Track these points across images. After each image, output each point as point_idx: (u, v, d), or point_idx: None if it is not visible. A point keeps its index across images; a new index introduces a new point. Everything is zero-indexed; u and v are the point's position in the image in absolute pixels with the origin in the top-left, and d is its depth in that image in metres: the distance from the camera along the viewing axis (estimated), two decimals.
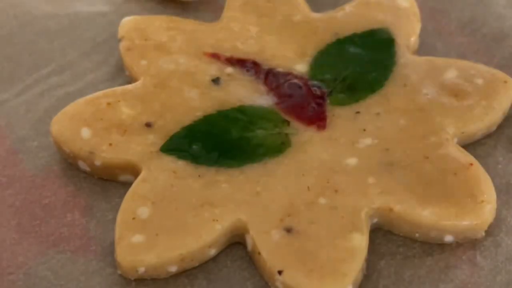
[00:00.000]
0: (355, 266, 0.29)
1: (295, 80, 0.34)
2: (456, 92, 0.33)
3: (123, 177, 0.32)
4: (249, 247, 0.30)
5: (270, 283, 0.29)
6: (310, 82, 0.34)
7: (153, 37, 0.35)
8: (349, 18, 0.36)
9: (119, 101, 0.33)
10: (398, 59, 0.35)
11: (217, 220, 0.30)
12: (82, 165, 0.32)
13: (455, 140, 0.32)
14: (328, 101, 0.33)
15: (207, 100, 0.33)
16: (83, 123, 0.32)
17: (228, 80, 0.34)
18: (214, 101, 0.33)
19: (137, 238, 0.29)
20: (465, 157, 0.31)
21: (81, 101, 0.33)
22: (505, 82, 0.34)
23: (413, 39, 0.36)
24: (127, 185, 0.31)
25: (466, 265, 0.30)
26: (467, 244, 0.30)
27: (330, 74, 0.34)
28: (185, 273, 0.30)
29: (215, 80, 0.34)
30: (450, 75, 0.34)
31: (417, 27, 0.36)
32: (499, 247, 0.30)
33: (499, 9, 0.38)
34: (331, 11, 0.37)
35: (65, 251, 0.30)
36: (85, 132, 0.32)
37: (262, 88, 0.34)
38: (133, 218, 0.30)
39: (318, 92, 0.34)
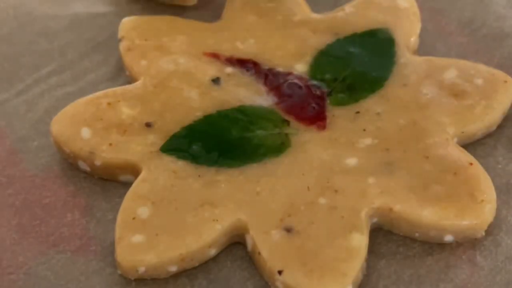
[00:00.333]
0: (355, 266, 0.29)
1: (295, 80, 0.34)
2: (456, 92, 0.33)
3: (123, 177, 0.32)
4: (249, 247, 0.30)
5: (270, 283, 0.29)
6: (310, 82, 0.34)
7: (153, 37, 0.35)
8: (349, 18, 0.36)
9: (119, 101, 0.33)
10: (398, 59, 0.35)
11: (217, 220, 0.30)
12: (82, 165, 0.32)
13: (455, 140, 0.32)
14: (328, 101, 0.33)
15: (207, 100, 0.33)
16: (83, 123, 0.32)
17: (228, 80, 0.34)
18: (214, 101, 0.33)
19: (137, 238, 0.29)
20: (465, 157, 0.31)
21: (81, 101, 0.33)
22: (505, 82, 0.34)
23: (413, 39, 0.36)
24: (127, 185, 0.31)
25: (466, 265, 0.30)
26: (467, 243, 0.30)
27: (330, 74, 0.34)
28: (185, 273, 0.30)
29: (215, 80, 0.34)
30: (450, 75, 0.34)
31: (417, 27, 0.36)
32: (499, 246, 0.30)
33: (499, 9, 0.38)
34: (331, 11, 0.37)
35: (65, 251, 0.30)
36: (85, 132, 0.32)
37: (262, 88, 0.34)
38: (133, 218, 0.30)
39: (318, 92, 0.34)
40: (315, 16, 0.37)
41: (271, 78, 0.34)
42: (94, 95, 0.33)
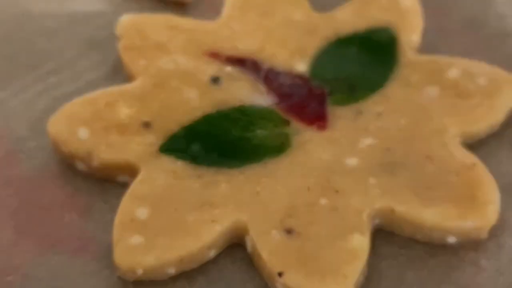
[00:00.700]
0: (356, 267, 0.29)
1: (295, 80, 0.34)
2: (458, 92, 0.33)
3: (122, 178, 0.32)
4: (249, 248, 0.30)
5: (270, 284, 0.29)
6: (311, 82, 0.34)
7: (152, 37, 0.35)
8: (350, 17, 0.36)
9: (117, 100, 0.33)
10: (399, 58, 0.35)
11: (216, 221, 0.30)
12: (80, 165, 0.32)
13: (458, 140, 0.32)
14: (328, 101, 0.33)
15: (206, 100, 0.33)
16: (81, 123, 0.32)
17: (228, 80, 0.34)
18: (214, 101, 0.33)
19: (136, 239, 0.29)
20: (468, 157, 0.31)
21: (79, 100, 0.33)
22: (508, 81, 0.34)
23: (415, 38, 0.36)
24: (126, 185, 0.31)
25: (469, 267, 0.30)
26: (470, 245, 0.30)
27: (331, 73, 0.34)
28: (184, 274, 0.30)
29: (215, 80, 0.34)
30: (453, 74, 0.34)
31: (419, 26, 0.36)
32: (502, 248, 0.30)
33: (502, 8, 0.38)
34: (332, 10, 0.37)
35: (63, 252, 0.30)
36: (83, 132, 0.32)
37: (262, 88, 0.34)
38: (132, 219, 0.30)
39: (319, 92, 0.33)
40: (316, 15, 0.37)
41: (271, 77, 0.34)
42: (92, 94, 0.33)
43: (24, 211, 0.31)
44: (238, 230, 0.30)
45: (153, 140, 0.32)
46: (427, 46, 0.36)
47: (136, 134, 0.32)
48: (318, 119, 0.33)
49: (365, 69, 0.34)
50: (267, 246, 0.29)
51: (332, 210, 0.30)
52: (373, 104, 0.33)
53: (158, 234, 0.29)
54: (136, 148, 0.32)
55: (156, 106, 0.33)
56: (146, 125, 0.32)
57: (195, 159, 0.31)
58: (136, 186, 0.31)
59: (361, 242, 0.29)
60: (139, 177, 0.31)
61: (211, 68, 0.34)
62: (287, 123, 0.32)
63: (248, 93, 0.33)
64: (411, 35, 0.36)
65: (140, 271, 0.29)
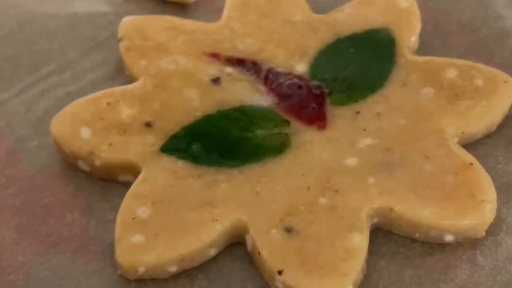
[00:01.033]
0: (355, 266, 0.29)
1: (295, 80, 0.34)
2: (456, 92, 0.33)
3: (123, 177, 0.32)
4: (249, 247, 0.30)
5: (270, 283, 0.29)
6: (310, 82, 0.34)
7: (153, 37, 0.35)
8: (349, 18, 0.36)
9: (119, 101, 0.33)
10: (398, 59, 0.35)
11: (217, 220, 0.30)
12: (82, 165, 0.32)
13: (455, 140, 0.32)
14: (328, 101, 0.33)
15: (207, 100, 0.33)
16: (83, 123, 0.32)
17: (228, 80, 0.34)
18: (214, 101, 0.33)
19: (137, 238, 0.29)
20: (465, 157, 0.31)
21: (81, 101, 0.33)
22: (505, 82, 0.34)
23: (413, 39, 0.36)
24: (127, 185, 0.31)
25: (466, 265, 0.30)
26: (468, 243, 0.30)
27: (330, 74, 0.34)
28: (185, 273, 0.30)
29: (215, 80, 0.34)
30: (450, 75, 0.34)
31: (417, 27, 0.36)
32: (499, 246, 0.30)
33: (499, 9, 0.38)
34: (331, 11, 0.37)
35: (65, 251, 0.30)
36: (85, 132, 0.32)
37: (262, 88, 0.34)
38: (133, 218, 0.30)
39: (318, 92, 0.34)
40: (315, 16, 0.37)
41: (271, 78, 0.34)
42: (94, 95, 0.33)
43: (26, 211, 0.31)
44: (238, 229, 0.30)
45: (154, 140, 0.32)
46: (425, 47, 0.37)
47: (137, 134, 0.32)
48: (317, 119, 0.33)
49: (364, 69, 0.34)
50: (267, 244, 0.29)
51: (332, 209, 0.30)
52: (372, 104, 0.33)
53: (159, 233, 0.29)
54: (137, 148, 0.32)
55: (157, 106, 0.33)
56: (147, 125, 0.32)
57: (195, 159, 0.31)
58: (137, 186, 0.31)
59: (360, 241, 0.29)
60: (140, 177, 0.31)
61: (212, 69, 0.34)
62: (287, 123, 0.33)
63: (248, 93, 0.34)
64: (409, 36, 0.36)
65: (141, 270, 0.29)
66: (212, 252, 0.30)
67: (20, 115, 0.34)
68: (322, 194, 0.30)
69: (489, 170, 0.31)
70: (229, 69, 0.34)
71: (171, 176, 0.31)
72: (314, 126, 0.32)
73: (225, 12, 0.37)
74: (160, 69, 0.34)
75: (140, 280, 0.29)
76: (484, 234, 0.30)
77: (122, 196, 0.31)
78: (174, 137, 0.32)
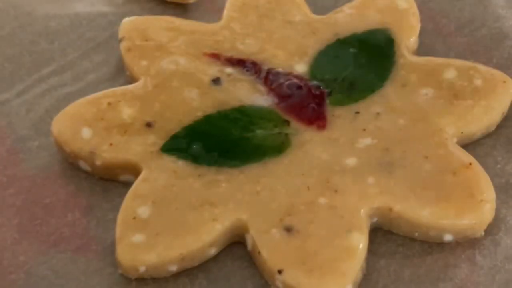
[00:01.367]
0: (355, 265, 0.29)
1: (295, 80, 0.34)
2: (455, 92, 0.33)
3: (124, 177, 0.32)
4: (249, 246, 0.30)
5: (270, 282, 0.29)
6: (310, 82, 0.34)
7: (153, 38, 0.35)
8: (349, 18, 0.36)
9: (119, 101, 0.33)
10: (397, 59, 0.35)
11: (217, 220, 0.30)
12: (82, 165, 0.32)
13: (455, 140, 0.33)
14: (328, 101, 0.33)
15: (207, 100, 0.33)
16: (84, 123, 0.32)
17: (228, 80, 0.34)
18: (214, 101, 0.33)
19: (138, 237, 0.29)
20: (465, 156, 0.32)
21: (81, 101, 0.33)
22: (504, 82, 0.34)
23: (413, 40, 0.36)
24: (128, 185, 0.31)
25: (465, 264, 0.30)
26: (467, 243, 0.30)
27: (330, 74, 0.34)
28: (185, 272, 0.30)
29: (215, 80, 0.34)
30: (449, 75, 0.34)
31: (416, 27, 0.36)
32: (498, 246, 0.30)
33: (498, 9, 0.38)
34: (331, 11, 0.37)
35: (66, 250, 0.30)
36: (86, 132, 0.32)
37: (262, 88, 0.34)
38: (134, 218, 0.30)
39: (318, 92, 0.34)
40: (315, 16, 0.37)
41: (271, 78, 0.34)
42: (95, 95, 0.33)
43: (27, 210, 0.32)
44: (239, 228, 0.30)
45: (154, 140, 0.32)
46: (425, 47, 0.37)
47: (138, 134, 0.32)
48: (317, 119, 0.33)
49: (363, 70, 0.34)
50: (267, 244, 0.29)
51: (331, 209, 0.30)
52: (372, 105, 0.33)
53: (160, 233, 0.29)
54: (138, 148, 0.32)
55: (157, 106, 0.33)
56: (148, 125, 0.32)
57: (196, 159, 0.31)
58: (138, 185, 0.31)
59: (359, 240, 0.29)
60: (141, 177, 0.31)
61: (212, 69, 0.34)
62: (286, 123, 0.33)
63: (248, 93, 0.34)
64: (408, 37, 0.36)
65: (142, 269, 0.29)
66: (213, 251, 0.30)
67: (21, 115, 0.35)
68: (322, 193, 0.30)
69: (488, 170, 0.31)
70: (229, 70, 0.34)
71: (172, 176, 0.31)
72: (314, 126, 0.33)
73: (225, 13, 0.37)
74: (161, 69, 0.34)
75: (141, 280, 0.30)
76: (483, 233, 0.31)
77: (122, 195, 0.31)
78: (174, 137, 0.32)
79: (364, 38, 0.36)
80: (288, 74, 0.34)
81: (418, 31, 0.36)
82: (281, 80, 0.34)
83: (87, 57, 0.37)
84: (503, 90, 0.34)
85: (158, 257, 0.29)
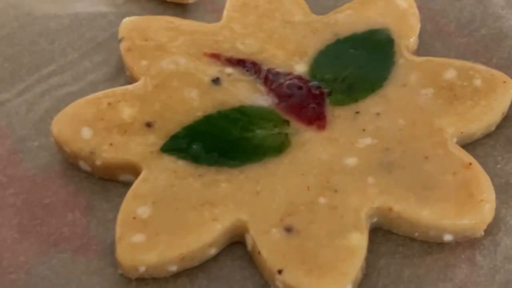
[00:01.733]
0: (355, 265, 0.29)
1: (295, 80, 0.34)
2: (455, 92, 0.33)
3: (124, 177, 0.32)
4: (249, 246, 0.30)
5: (270, 282, 0.29)
6: (310, 82, 0.34)
7: (153, 38, 0.35)
8: (349, 18, 0.36)
9: (119, 101, 0.33)
10: (397, 59, 0.35)
11: (217, 220, 0.30)
12: (82, 165, 0.32)
13: (455, 140, 0.33)
14: (327, 101, 0.33)
15: (207, 100, 0.33)
16: (84, 123, 0.32)
17: (228, 81, 0.34)
18: (214, 101, 0.33)
19: (138, 237, 0.29)
20: (464, 156, 0.32)
21: (81, 101, 0.33)
22: (504, 82, 0.34)
23: (413, 40, 0.36)
24: (128, 185, 0.31)
25: (465, 264, 0.30)
26: (467, 243, 0.30)
27: (330, 74, 0.34)
28: (185, 272, 0.30)
29: (215, 81, 0.34)
30: (449, 75, 0.34)
31: (416, 27, 0.36)
32: (498, 246, 0.30)
33: (498, 9, 0.38)
34: (331, 11, 0.37)
35: (66, 250, 0.30)
36: (86, 132, 0.32)
37: (262, 88, 0.34)
38: (134, 218, 0.30)
39: (318, 92, 0.34)
40: (315, 16, 0.37)
41: (271, 78, 0.34)
42: (95, 95, 0.34)
43: (27, 210, 0.32)
44: (238, 228, 0.30)
45: (154, 140, 0.32)
46: (424, 47, 0.37)
47: (138, 134, 0.32)
48: (317, 119, 0.33)
49: (363, 70, 0.34)
50: (267, 244, 0.29)
51: (331, 209, 0.30)
52: (372, 105, 0.33)
53: (160, 233, 0.29)
54: (138, 148, 0.32)
55: (157, 106, 0.33)
56: (148, 125, 0.32)
57: (196, 159, 0.31)
58: (138, 185, 0.31)
59: (359, 240, 0.29)
60: (141, 177, 0.31)
61: (212, 69, 0.34)
62: (286, 123, 0.33)
63: (248, 93, 0.34)
64: (408, 37, 0.36)
65: (142, 269, 0.29)
66: (213, 251, 0.30)
67: (21, 115, 0.35)
68: (321, 193, 0.30)
69: (488, 170, 0.31)
70: (229, 70, 0.34)
71: (172, 176, 0.31)
72: (314, 126, 0.33)
73: (225, 13, 0.37)
74: (161, 69, 0.34)
75: (141, 279, 0.30)
76: (483, 233, 0.31)
77: (122, 195, 0.31)
78: (174, 137, 0.32)
79: (364, 38, 0.36)
80: (288, 74, 0.34)
81: (418, 31, 0.36)
82: (281, 80, 0.34)
83: (87, 57, 0.37)
84: (503, 90, 0.34)
85: (158, 257, 0.29)
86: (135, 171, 0.31)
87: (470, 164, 0.31)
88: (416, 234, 0.31)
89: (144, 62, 0.35)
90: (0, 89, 0.35)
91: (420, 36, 0.36)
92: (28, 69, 0.36)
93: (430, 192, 0.30)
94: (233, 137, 0.32)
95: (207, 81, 0.34)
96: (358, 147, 0.32)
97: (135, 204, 0.30)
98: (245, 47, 0.35)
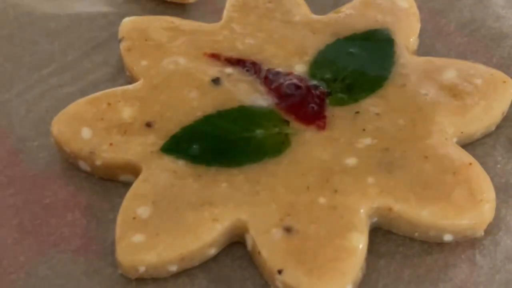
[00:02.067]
0: (355, 265, 0.29)
1: (295, 80, 0.34)
2: (455, 92, 0.33)
3: (124, 177, 0.32)
4: (249, 246, 0.30)
5: (270, 282, 0.29)
6: (310, 82, 0.34)
7: (153, 38, 0.35)
8: (349, 18, 0.36)
9: (119, 101, 0.33)
10: (397, 59, 0.35)
11: (217, 220, 0.30)
12: (82, 165, 0.32)
13: (455, 140, 0.33)
14: (327, 101, 0.33)
15: (207, 100, 0.33)
16: (84, 123, 0.32)
17: (228, 80, 0.34)
18: (214, 101, 0.33)
19: (138, 237, 0.29)
20: (464, 156, 0.32)
21: (81, 101, 0.33)
22: (504, 82, 0.34)
23: (413, 39, 0.36)
24: (128, 185, 0.31)
25: (465, 264, 0.30)
26: (467, 243, 0.31)
27: (330, 74, 0.34)
28: (185, 272, 0.30)
29: (215, 80, 0.34)
30: (449, 75, 0.34)
31: (416, 27, 0.36)
32: (498, 246, 0.30)
33: (498, 9, 0.38)
34: (331, 11, 0.37)
35: (66, 250, 0.30)
36: (86, 132, 0.32)
37: (262, 88, 0.34)
38: (134, 218, 0.30)
39: (318, 92, 0.34)
40: (315, 16, 0.37)
41: (271, 78, 0.34)
42: (95, 95, 0.34)
43: (27, 210, 0.32)
44: (238, 228, 0.30)
45: (154, 140, 0.32)
46: (424, 47, 0.37)
47: (138, 134, 0.32)
48: (317, 119, 0.33)
49: (363, 70, 0.34)
50: (267, 244, 0.29)
51: (331, 209, 0.30)
52: (372, 105, 0.33)
53: (160, 233, 0.29)
54: (138, 148, 0.32)
55: (157, 106, 0.33)
56: (148, 125, 0.32)
57: (195, 159, 0.31)
58: (138, 186, 0.31)
59: (359, 240, 0.29)
60: (141, 177, 0.31)
61: (212, 69, 0.34)
62: (286, 123, 0.33)
63: (248, 93, 0.34)
64: (408, 37, 0.36)
65: (142, 269, 0.29)
66: (212, 251, 0.30)
67: (21, 115, 0.35)
68: (321, 193, 0.30)
69: (488, 170, 0.31)
70: (229, 70, 0.34)
71: (172, 176, 0.31)
72: (314, 126, 0.33)
73: (225, 13, 0.37)
74: (161, 69, 0.34)
75: (141, 280, 0.30)
76: (483, 233, 0.31)
77: (122, 196, 0.31)
78: (174, 137, 0.32)
79: (364, 38, 0.36)
80: (288, 74, 0.34)
81: (418, 31, 0.36)
82: (281, 80, 0.34)
83: (87, 57, 0.37)
84: (503, 90, 0.34)
85: (158, 257, 0.29)
86: (135, 171, 0.31)
87: (470, 164, 0.31)
88: (416, 234, 0.31)
89: (144, 62, 0.35)
90: (0, 89, 0.35)
91: (420, 36, 0.36)
92: (28, 69, 0.36)
93: (430, 192, 0.30)
94: (233, 137, 0.32)
95: (207, 81, 0.34)
96: (358, 147, 0.32)
97: (135, 204, 0.30)
98: (245, 47, 0.35)
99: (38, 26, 0.38)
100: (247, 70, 0.34)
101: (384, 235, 0.31)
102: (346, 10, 0.37)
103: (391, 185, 0.31)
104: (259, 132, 0.32)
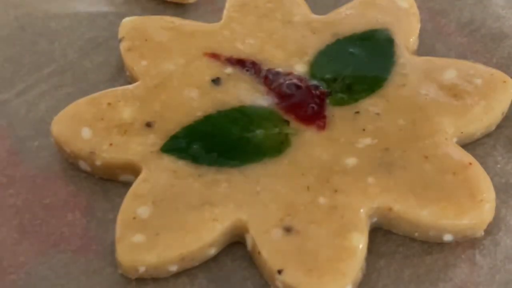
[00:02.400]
0: (355, 265, 0.29)
1: (295, 80, 0.34)
2: (455, 92, 0.33)
3: (124, 177, 0.32)
4: (249, 246, 0.30)
5: (270, 282, 0.29)
6: (310, 82, 0.34)
7: (153, 38, 0.35)
8: (349, 18, 0.36)
9: (119, 101, 0.33)
10: (397, 59, 0.35)
11: (217, 220, 0.30)
12: (82, 165, 0.32)
13: (455, 140, 0.33)
14: (327, 101, 0.33)
15: (207, 100, 0.33)
16: (84, 123, 0.32)
17: (228, 80, 0.34)
18: (214, 101, 0.33)
19: (138, 237, 0.29)
20: (464, 156, 0.32)
21: (81, 101, 0.33)
22: (504, 82, 0.34)
23: (413, 40, 0.36)
24: (128, 185, 0.31)
25: (465, 264, 0.30)
26: (467, 243, 0.31)
27: (330, 74, 0.34)
28: (185, 272, 0.30)
29: (215, 80, 0.34)
30: (449, 75, 0.34)
31: (416, 27, 0.36)
32: (498, 246, 0.30)
33: (498, 9, 0.38)
34: (331, 11, 0.37)
35: (66, 250, 0.30)
36: (86, 132, 0.32)
37: (262, 88, 0.34)
38: (134, 218, 0.30)
39: (318, 92, 0.34)
40: (315, 16, 0.37)
41: (271, 78, 0.34)
42: (95, 95, 0.34)
43: (27, 210, 0.32)
44: (238, 228, 0.30)
45: (154, 140, 0.32)
46: (425, 47, 0.37)
47: (138, 134, 0.32)
48: (317, 119, 0.33)
49: (363, 70, 0.34)
50: (267, 244, 0.29)
51: (331, 209, 0.30)
52: (372, 104, 0.33)
53: (160, 233, 0.29)
54: (138, 148, 0.32)
55: (157, 106, 0.33)
56: (148, 125, 0.32)
57: (195, 159, 0.31)
58: (138, 186, 0.31)
59: (359, 240, 0.29)
60: (141, 177, 0.31)
61: (212, 69, 0.34)
62: (286, 123, 0.33)
63: (248, 93, 0.34)
64: (408, 36, 0.36)
65: (142, 269, 0.29)
66: (212, 251, 0.30)
67: (21, 115, 0.35)
68: (321, 193, 0.30)
69: (488, 170, 0.31)
70: (229, 70, 0.34)
71: (172, 176, 0.31)
72: (314, 126, 0.33)
73: (225, 13, 0.37)
74: (161, 69, 0.34)
75: (141, 280, 0.30)
76: (483, 233, 0.31)
77: (122, 196, 0.31)
78: (174, 137, 0.32)
79: (364, 38, 0.36)
80: (288, 74, 0.34)
81: (418, 31, 0.36)
82: (281, 80, 0.34)
83: (87, 57, 0.37)
84: (503, 90, 0.34)
85: (158, 257, 0.29)
86: (135, 171, 0.31)
87: (470, 164, 0.31)
88: (416, 234, 0.31)
89: (144, 62, 0.35)
90: (0, 89, 0.36)
91: (420, 36, 0.36)
92: (28, 69, 0.36)
93: (430, 192, 0.30)
94: (233, 137, 0.32)
95: (207, 81, 0.34)
96: (358, 147, 0.32)
97: (135, 204, 0.30)
98: (245, 47, 0.35)
99: (38, 26, 0.38)
100: (247, 70, 0.34)
101: (384, 235, 0.31)
102: (346, 10, 0.37)
103: (391, 185, 0.31)
104: (259, 132, 0.32)
